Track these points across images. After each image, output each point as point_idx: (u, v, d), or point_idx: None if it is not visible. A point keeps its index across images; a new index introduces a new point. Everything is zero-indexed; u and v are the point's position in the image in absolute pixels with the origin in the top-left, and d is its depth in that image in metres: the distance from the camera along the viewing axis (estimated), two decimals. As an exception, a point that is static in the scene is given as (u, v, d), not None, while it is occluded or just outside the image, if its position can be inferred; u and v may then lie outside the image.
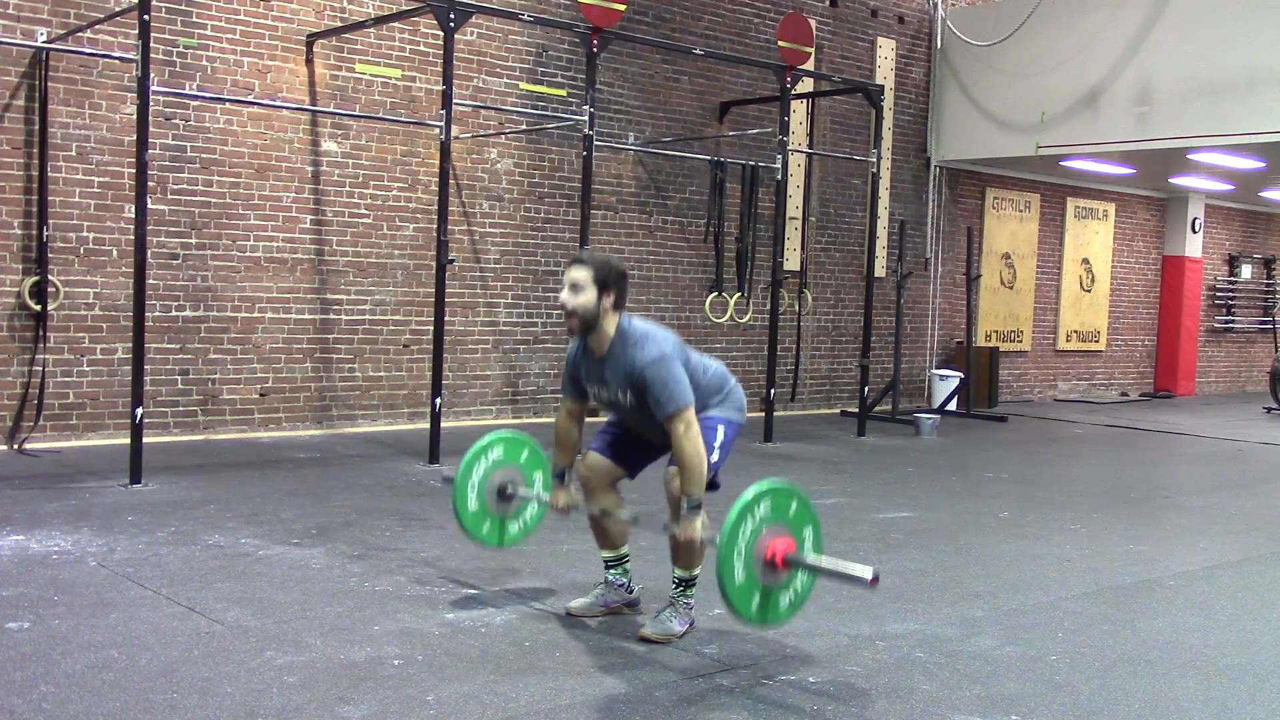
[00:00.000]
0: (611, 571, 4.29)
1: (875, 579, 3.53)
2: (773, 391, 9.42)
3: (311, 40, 8.47)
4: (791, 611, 3.72)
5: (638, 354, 3.90)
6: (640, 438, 4.17)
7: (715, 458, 3.97)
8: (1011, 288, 13.87)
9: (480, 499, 4.46)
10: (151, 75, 6.43)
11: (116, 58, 7.06)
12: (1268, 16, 9.92)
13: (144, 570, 4.65)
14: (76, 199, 7.60)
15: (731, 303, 10.05)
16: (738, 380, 4.26)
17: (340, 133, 8.72)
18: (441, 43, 7.65)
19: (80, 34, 7.49)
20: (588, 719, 3.31)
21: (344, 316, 8.81)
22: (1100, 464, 9.46)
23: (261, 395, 8.45)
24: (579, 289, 3.94)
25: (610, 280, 3.95)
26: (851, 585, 3.97)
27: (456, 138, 8.66)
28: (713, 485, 3.99)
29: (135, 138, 6.48)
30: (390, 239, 8.98)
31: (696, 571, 4.06)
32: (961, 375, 12.05)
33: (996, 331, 13.70)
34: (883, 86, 10.71)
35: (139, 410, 6.41)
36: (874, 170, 10.19)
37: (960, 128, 12.48)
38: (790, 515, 3.68)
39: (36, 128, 7.40)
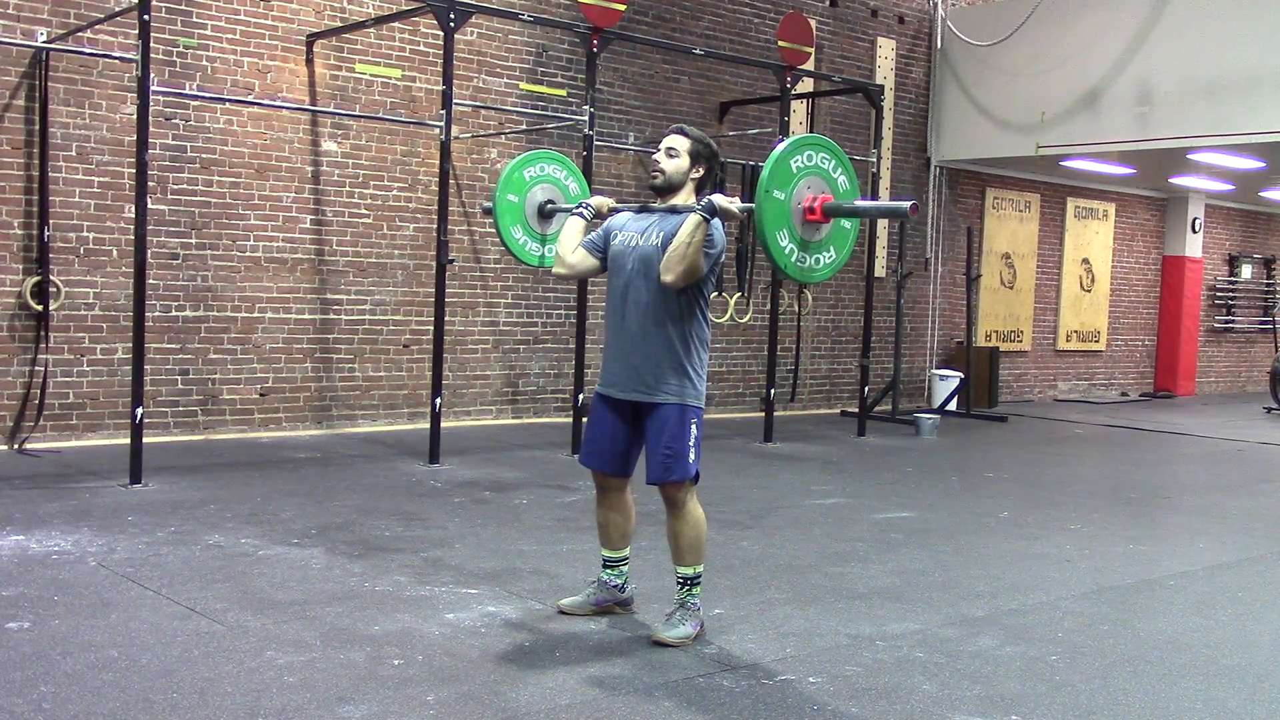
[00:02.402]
0: (607, 571, 4.29)
1: (914, 207, 3.84)
2: (773, 391, 9.43)
3: (311, 40, 8.47)
4: (828, 270, 4.04)
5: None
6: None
7: (693, 458, 3.99)
8: (1011, 288, 13.86)
9: (522, 199, 4.45)
10: (151, 75, 6.43)
11: (116, 58, 7.06)
12: (1267, 17, 9.91)
13: (144, 570, 4.65)
14: (76, 199, 7.60)
15: (731, 302, 10.04)
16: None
17: (340, 133, 8.72)
18: (441, 43, 7.66)
19: (80, 34, 7.49)
20: (587, 719, 3.31)
21: (344, 316, 8.81)
22: (1100, 464, 9.46)
23: (261, 395, 8.45)
24: (674, 154, 4.13)
25: (703, 155, 4.15)
26: (893, 218, 4.38)
27: (456, 138, 8.66)
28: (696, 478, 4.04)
29: (135, 138, 6.49)
30: (390, 239, 8.99)
31: (700, 569, 4.06)
32: (961, 375, 12.05)
33: (996, 331, 13.69)
34: (883, 86, 10.71)
35: (139, 410, 6.41)
36: (874, 170, 10.19)
37: (960, 127, 12.48)
38: (840, 190, 3.97)
39: (36, 128, 7.40)
